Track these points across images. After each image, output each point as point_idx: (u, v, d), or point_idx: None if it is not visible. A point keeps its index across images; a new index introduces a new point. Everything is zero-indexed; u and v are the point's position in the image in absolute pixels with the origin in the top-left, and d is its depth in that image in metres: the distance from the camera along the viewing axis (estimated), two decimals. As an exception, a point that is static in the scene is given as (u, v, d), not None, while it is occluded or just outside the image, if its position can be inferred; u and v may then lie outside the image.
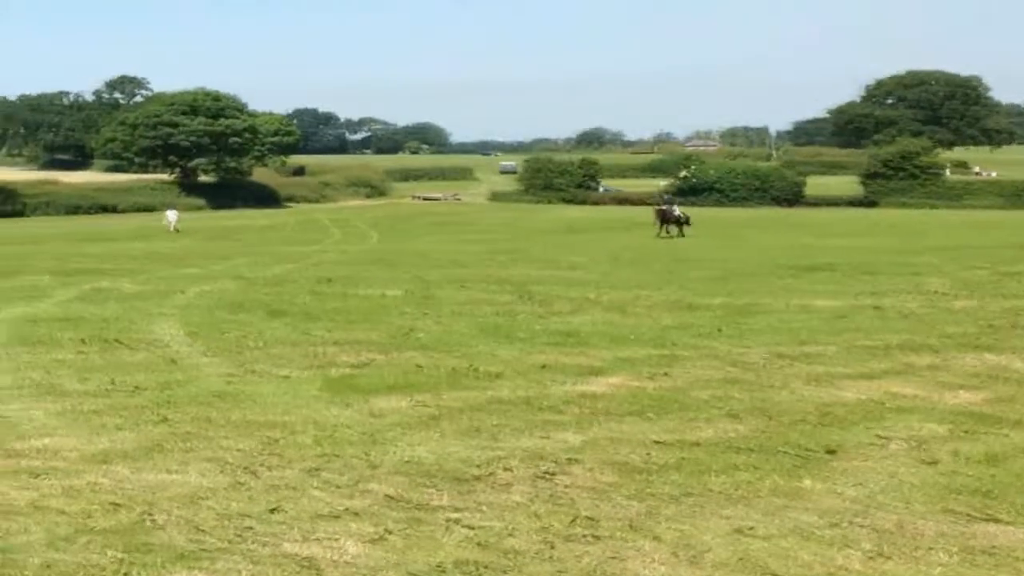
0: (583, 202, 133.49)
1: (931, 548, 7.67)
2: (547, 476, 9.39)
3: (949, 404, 12.50)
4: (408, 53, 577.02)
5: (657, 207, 65.59)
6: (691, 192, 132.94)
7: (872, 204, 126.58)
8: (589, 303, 23.38)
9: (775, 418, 11.62)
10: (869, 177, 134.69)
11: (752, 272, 32.44)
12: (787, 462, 9.80)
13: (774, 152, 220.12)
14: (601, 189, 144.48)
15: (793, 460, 9.87)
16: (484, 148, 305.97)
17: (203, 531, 8.00)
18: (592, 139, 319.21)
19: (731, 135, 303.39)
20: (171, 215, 75.27)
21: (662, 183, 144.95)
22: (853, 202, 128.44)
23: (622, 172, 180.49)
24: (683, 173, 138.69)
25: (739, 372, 14.59)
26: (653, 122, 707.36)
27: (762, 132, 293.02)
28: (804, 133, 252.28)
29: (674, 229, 59.94)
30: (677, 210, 62.65)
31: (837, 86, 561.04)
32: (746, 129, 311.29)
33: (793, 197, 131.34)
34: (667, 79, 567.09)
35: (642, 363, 15.28)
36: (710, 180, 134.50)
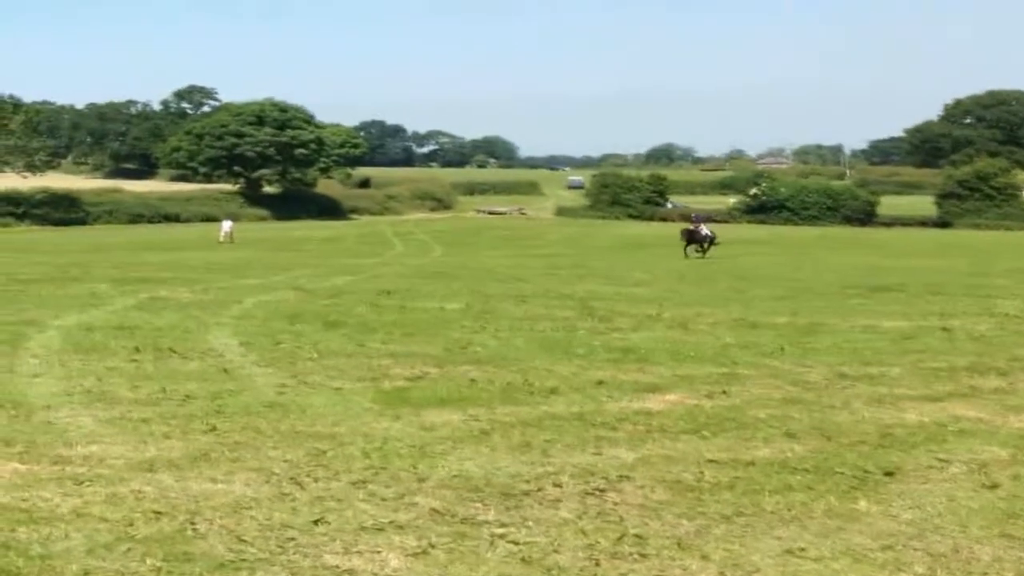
0: (651, 218, 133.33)
1: (986, 573, 7.54)
2: (597, 493, 9.33)
3: (1013, 428, 12.31)
4: (478, 68, 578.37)
5: (684, 228, 62.71)
6: (761, 210, 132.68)
7: (946, 225, 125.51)
8: (651, 320, 23.28)
9: (833, 438, 11.48)
10: (944, 197, 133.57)
11: (819, 291, 32.22)
12: (843, 483, 9.68)
13: (847, 170, 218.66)
14: (669, 205, 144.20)
15: (850, 481, 9.74)
16: (552, 163, 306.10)
17: (244, 541, 8.00)
18: (662, 155, 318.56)
19: (804, 153, 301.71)
20: (226, 225, 75.80)
21: (731, 200, 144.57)
22: (927, 222, 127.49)
23: (691, 189, 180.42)
24: (753, 190, 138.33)
25: (799, 392, 14.46)
26: (725, 139, 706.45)
27: (836, 150, 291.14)
28: (879, 152, 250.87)
29: (707, 248, 58.92)
30: (705, 229, 61.00)
31: (914, 105, 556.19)
32: (820, 147, 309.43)
33: (865, 216, 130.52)
34: (741, 96, 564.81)
35: (701, 381, 15.17)
36: (781, 198, 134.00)
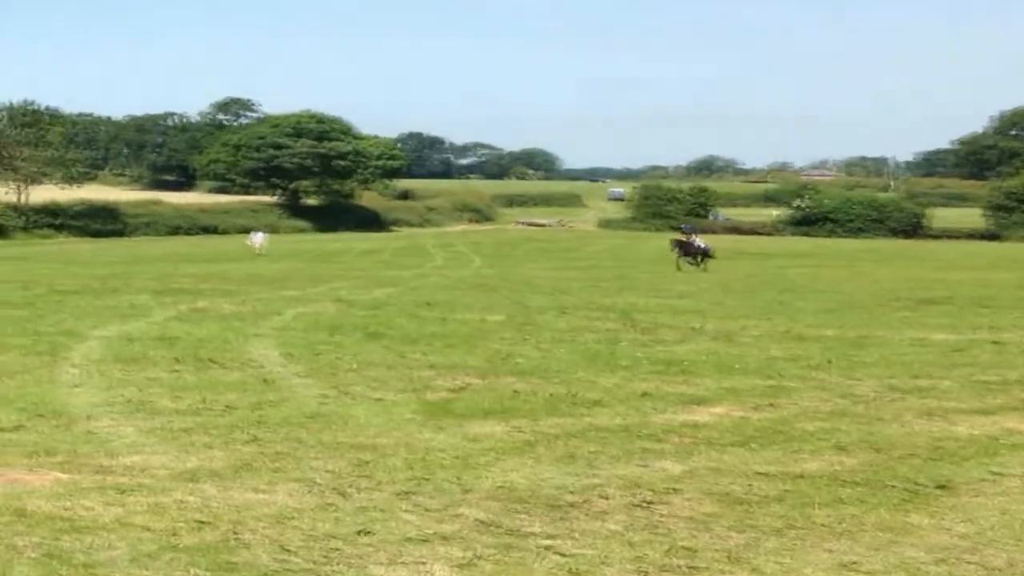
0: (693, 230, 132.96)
1: (1043, 587, 7.48)
2: (644, 505, 9.31)
3: (1069, 442, 12.21)
4: (519, 80, 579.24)
5: (675, 239, 58.68)
6: (806, 222, 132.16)
7: (995, 237, 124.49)
8: (695, 332, 23.22)
9: (884, 451, 11.43)
10: (993, 209, 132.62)
11: (866, 304, 32.03)
12: (895, 496, 9.63)
13: (893, 182, 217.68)
14: (712, 217, 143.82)
15: (901, 494, 9.69)
16: (594, 175, 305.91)
17: (289, 551, 8.02)
18: (705, 167, 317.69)
19: (849, 165, 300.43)
20: (257, 236, 75.93)
21: (776, 212, 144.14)
22: (975, 235, 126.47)
23: (735, 201, 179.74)
24: (798, 202, 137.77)
25: (848, 404, 14.39)
26: (769, 151, 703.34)
27: (882, 162, 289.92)
28: (926, 164, 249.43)
29: (703, 262, 55.36)
30: (698, 240, 57.75)
31: (961, 117, 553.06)
32: (865, 159, 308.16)
33: (912, 229, 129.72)
34: (786, 108, 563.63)
35: (747, 393, 15.13)
36: (826, 210, 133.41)
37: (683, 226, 65.93)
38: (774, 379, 16.49)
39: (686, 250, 55.89)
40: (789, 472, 10.46)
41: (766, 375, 16.90)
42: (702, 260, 55.16)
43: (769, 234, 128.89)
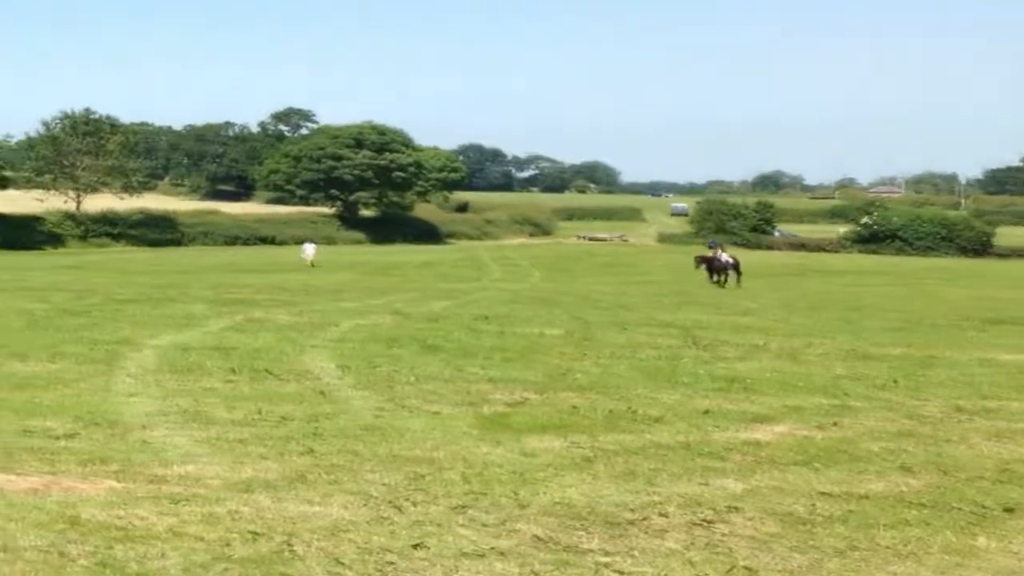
0: (757, 247, 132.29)
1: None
2: (705, 523, 9.25)
3: None
4: (580, 94, 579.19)
5: (699, 256, 57.88)
6: (872, 239, 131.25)
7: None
8: (758, 349, 23.10)
9: (951, 473, 11.30)
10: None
11: (933, 323, 31.78)
12: (961, 519, 9.52)
13: (963, 200, 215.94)
14: (777, 233, 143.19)
15: (968, 517, 9.58)
16: (655, 189, 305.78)
17: (343, 564, 8.03)
18: (769, 182, 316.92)
19: (917, 182, 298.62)
20: (308, 248, 76.24)
21: (841, 229, 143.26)
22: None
23: (800, 217, 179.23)
24: (865, 219, 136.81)
25: (915, 425, 14.25)
26: (835, 166, 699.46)
27: (951, 179, 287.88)
28: (995, 181, 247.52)
29: (731, 275, 54.37)
30: (725, 255, 56.22)
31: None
32: (933, 176, 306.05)
33: (981, 247, 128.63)
34: (852, 123, 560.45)
35: (811, 412, 15.01)
36: (893, 227, 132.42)
37: (710, 242, 64.81)
38: (839, 398, 16.36)
39: (711, 266, 54.92)
40: (853, 493, 10.36)
41: (830, 394, 16.77)
42: (724, 277, 54.27)
43: (835, 251, 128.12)
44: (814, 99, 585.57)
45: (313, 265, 71.21)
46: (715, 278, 54.08)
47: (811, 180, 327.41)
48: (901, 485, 10.75)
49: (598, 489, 10.31)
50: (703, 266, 54.88)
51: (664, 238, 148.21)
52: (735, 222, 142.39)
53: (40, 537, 8.49)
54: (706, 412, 14.81)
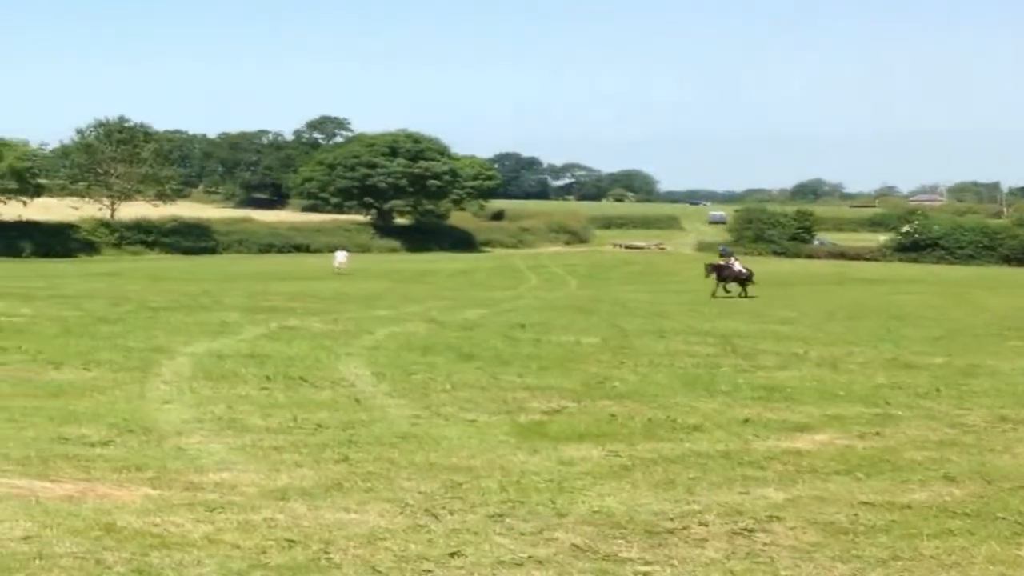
0: (796, 255, 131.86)
1: None
2: (745, 533, 9.22)
3: None
4: (618, 103, 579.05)
5: (710, 263, 55.57)
6: (914, 248, 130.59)
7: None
8: (798, 358, 23.03)
9: (995, 483, 11.23)
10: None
11: (976, 332, 31.62)
12: (1006, 529, 9.45)
13: (1005, 208, 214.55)
14: (816, 242, 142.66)
15: (1012, 527, 9.51)
16: (693, 197, 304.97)
17: (380, 572, 8.03)
18: (809, 191, 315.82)
19: (959, 190, 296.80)
20: (340, 256, 76.42)
21: (882, 238, 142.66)
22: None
23: (840, 225, 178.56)
24: (906, 228, 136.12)
25: (958, 434, 14.17)
26: (876, 174, 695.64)
27: (993, 187, 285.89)
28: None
29: (734, 287, 52.62)
30: (738, 264, 53.78)
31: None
32: (976, 184, 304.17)
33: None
34: (893, 131, 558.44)
35: (852, 421, 14.95)
36: (934, 236, 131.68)
37: (721, 248, 62.64)
38: (880, 407, 16.29)
39: (722, 275, 52.64)
40: (896, 502, 10.31)
41: (872, 403, 16.69)
42: (744, 285, 52.32)
43: (875, 260, 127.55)
44: (855, 107, 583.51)
45: (345, 273, 71.36)
46: (726, 287, 52.31)
47: (851, 188, 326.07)
48: (944, 495, 10.68)
49: (637, 498, 10.29)
50: (713, 274, 52.91)
51: (702, 246, 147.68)
52: (774, 230, 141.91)
53: (76, 544, 8.52)
54: (746, 421, 14.78)
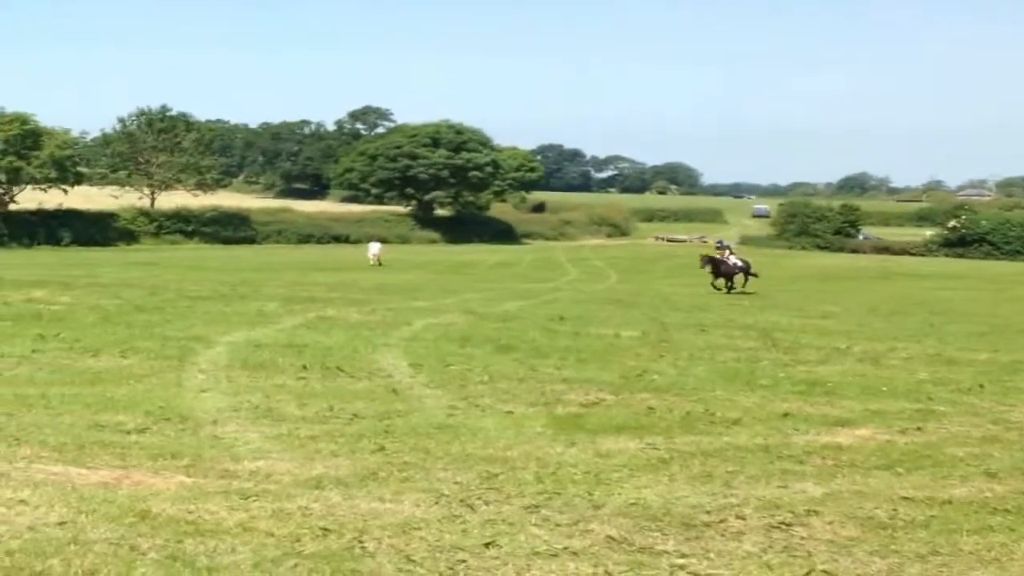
0: (840, 249, 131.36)
1: None
2: (783, 527, 9.20)
3: None
4: (662, 95, 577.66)
5: (706, 255, 52.42)
6: (960, 243, 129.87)
7: None
8: (839, 353, 22.95)
9: (1038, 480, 11.16)
10: None
11: (1021, 328, 31.44)
12: (1048, 526, 9.40)
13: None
14: (861, 237, 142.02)
15: (1054, 524, 9.46)
16: (737, 191, 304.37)
17: (414, 561, 8.05)
18: (855, 185, 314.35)
19: (1008, 185, 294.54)
20: (374, 247, 76.40)
21: (928, 232, 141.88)
22: None
23: (886, 220, 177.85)
24: (952, 223, 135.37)
25: (1001, 431, 14.10)
26: (923, 169, 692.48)
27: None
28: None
29: (739, 279, 49.74)
30: (733, 258, 51.09)
31: None
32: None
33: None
34: (940, 125, 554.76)
35: (894, 416, 14.89)
36: (982, 231, 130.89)
37: (718, 241, 58.96)
38: (922, 403, 16.22)
39: (718, 268, 49.94)
40: (936, 498, 10.26)
41: (914, 398, 16.63)
42: (731, 282, 49.56)
43: (921, 255, 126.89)
44: (902, 100, 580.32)
45: (380, 264, 71.41)
46: (721, 281, 49.66)
47: (898, 182, 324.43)
48: (985, 491, 10.63)
49: (674, 491, 10.28)
50: (708, 267, 50.11)
51: (746, 240, 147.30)
52: (819, 224, 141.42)
53: (111, 530, 8.58)
54: (785, 415, 14.74)
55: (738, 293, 48.29)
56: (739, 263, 50.40)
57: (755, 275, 50.50)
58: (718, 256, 50.58)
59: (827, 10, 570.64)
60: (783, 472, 11.21)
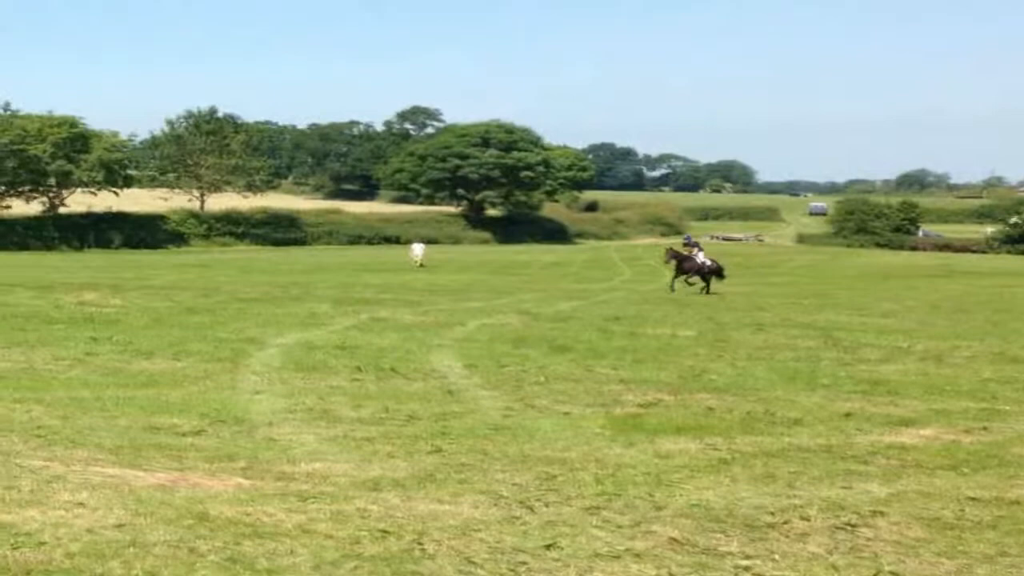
0: (900, 247, 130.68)
1: None
2: (848, 528, 9.16)
3: None
4: (715, 92, 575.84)
5: (670, 249, 50.75)
6: (1022, 240, 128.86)
7: None
8: (901, 352, 22.82)
9: (1107, 480, 11.07)
10: None
11: (1088, 326, 31.12)
12: (1119, 527, 9.32)
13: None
14: (921, 234, 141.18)
15: None
16: (793, 188, 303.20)
17: (474, 563, 8.07)
18: (913, 181, 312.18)
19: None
20: (417, 248, 76.44)
21: (989, 229, 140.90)
22: None
23: (945, 217, 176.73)
24: (1014, 219, 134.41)
25: (1069, 430, 13.98)
26: (983, 165, 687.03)
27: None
28: None
29: (697, 279, 48.03)
30: (701, 256, 48.85)
31: None
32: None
33: None
34: (1002, 119, 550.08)
35: (958, 416, 14.80)
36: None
37: (685, 237, 57.08)
38: (987, 402, 16.11)
39: (682, 266, 47.99)
40: (1003, 498, 10.19)
41: (979, 397, 16.52)
42: (708, 279, 47.79)
43: (982, 252, 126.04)
44: (962, 95, 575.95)
45: (422, 265, 71.45)
46: (683, 278, 47.78)
47: (958, 179, 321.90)
48: (1054, 491, 10.55)
49: (736, 492, 10.26)
50: (672, 262, 48.29)
51: (803, 238, 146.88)
52: (877, 222, 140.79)
53: (169, 532, 8.65)
54: (848, 415, 14.68)
55: (691, 292, 46.82)
56: (707, 263, 48.48)
57: (723, 276, 48.80)
58: (686, 253, 49.02)
59: (885, 3, 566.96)
60: (847, 473, 11.16)
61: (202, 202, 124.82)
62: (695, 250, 49.33)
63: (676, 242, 61.78)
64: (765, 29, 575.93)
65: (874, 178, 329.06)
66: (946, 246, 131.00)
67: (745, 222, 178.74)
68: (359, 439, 12.47)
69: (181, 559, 8.04)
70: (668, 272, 49.92)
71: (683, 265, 47.93)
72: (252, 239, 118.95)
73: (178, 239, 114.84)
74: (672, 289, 47.01)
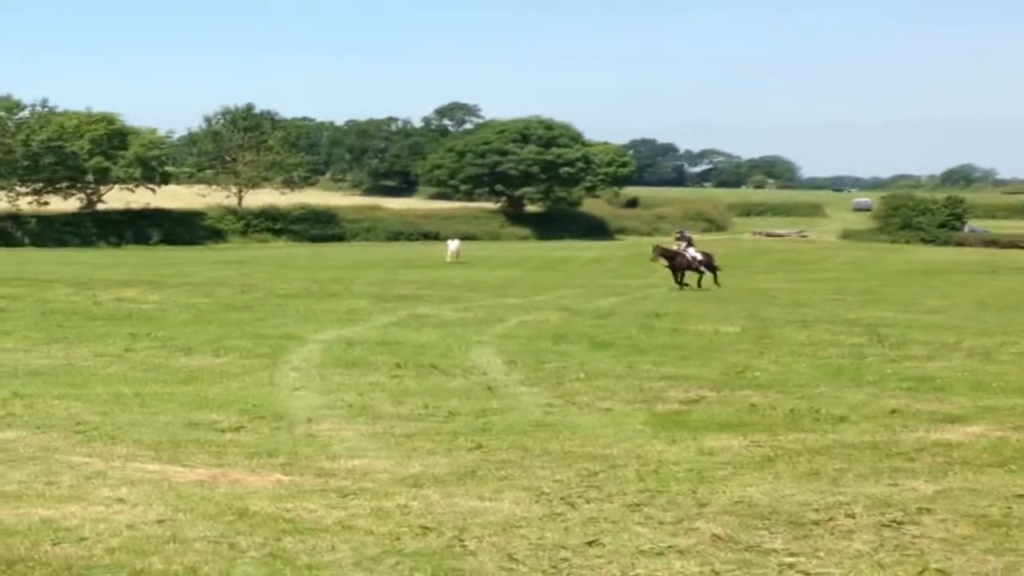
0: (946, 243, 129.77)
1: None
2: (894, 525, 9.13)
3: None
4: (758, 87, 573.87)
5: (658, 246, 50.10)
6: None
7: None
8: (948, 348, 22.71)
9: None
10: None
11: None
12: None
13: None
14: (967, 230, 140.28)
15: None
16: (837, 184, 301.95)
17: (516, 560, 8.09)
18: (959, 177, 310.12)
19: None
20: (452, 245, 76.43)
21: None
22: None
23: (992, 213, 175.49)
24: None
25: (1120, 427, 13.88)
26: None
27: None
28: None
29: (709, 277, 47.37)
30: (692, 250, 47.71)
31: None
32: None
33: None
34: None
35: (1007, 413, 14.71)
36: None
37: (679, 232, 54.82)
38: (1036, 399, 16.01)
39: (674, 262, 46.98)
40: (1053, 496, 10.14)
41: (1027, 395, 16.42)
42: (682, 275, 46.67)
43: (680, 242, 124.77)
44: (1008, 89, 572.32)
45: (459, 262, 71.44)
46: (678, 277, 46.66)
47: (1004, 174, 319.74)
48: (1104, 489, 10.48)
49: (780, 488, 10.24)
50: (661, 260, 47.55)
51: (847, 234, 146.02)
52: (922, 218, 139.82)
53: (209, 528, 8.71)
54: (894, 412, 14.63)
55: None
56: (698, 256, 47.56)
57: (718, 268, 48.05)
58: (676, 249, 47.90)
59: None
60: (893, 470, 11.12)
61: (240, 198, 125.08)
62: (684, 245, 48.34)
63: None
64: (812, 28, 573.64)
65: (919, 174, 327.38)
66: (992, 242, 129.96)
67: (789, 218, 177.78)
68: (399, 435, 12.52)
69: (221, 555, 8.10)
70: (660, 270, 49.24)
71: (674, 262, 47.06)
72: (290, 235, 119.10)
73: (216, 235, 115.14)
74: (681, 285, 46.19)
